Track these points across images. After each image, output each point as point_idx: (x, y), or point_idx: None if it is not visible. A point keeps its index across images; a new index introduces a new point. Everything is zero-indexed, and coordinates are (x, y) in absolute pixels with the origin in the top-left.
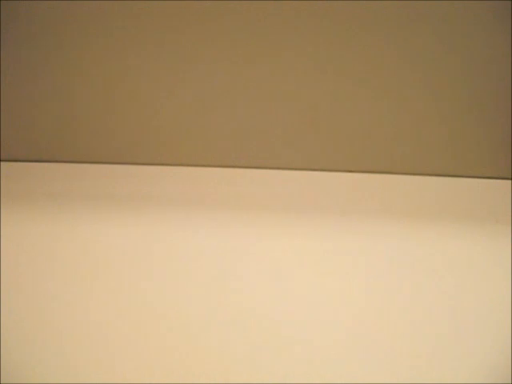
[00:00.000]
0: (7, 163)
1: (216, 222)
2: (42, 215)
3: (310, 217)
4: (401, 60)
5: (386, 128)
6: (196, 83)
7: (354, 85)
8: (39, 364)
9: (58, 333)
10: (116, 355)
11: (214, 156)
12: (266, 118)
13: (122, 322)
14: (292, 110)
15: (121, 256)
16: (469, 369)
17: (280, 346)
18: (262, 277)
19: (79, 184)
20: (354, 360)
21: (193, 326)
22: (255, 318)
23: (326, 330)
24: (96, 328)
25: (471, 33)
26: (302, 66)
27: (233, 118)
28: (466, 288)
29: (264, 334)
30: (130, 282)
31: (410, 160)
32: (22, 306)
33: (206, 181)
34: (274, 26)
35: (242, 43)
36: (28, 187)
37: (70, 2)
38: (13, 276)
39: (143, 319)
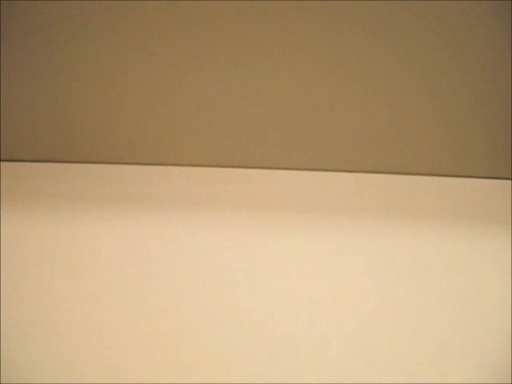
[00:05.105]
0: (7, 163)
1: (216, 222)
2: (42, 215)
3: (310, 217)
4: (401, 60)
5: (386, 128)
6: (196, 83)
7: (355, 85)
8: (39, 364)
9: (58, 333)
10: (116, 355)
11: (214, 156)
12: (266, 118)
13: (122, 321)
14: (292, 110)
15: (121, 256)
16: (469, 369)
17: (280, 346)
18: (262, 277)
19: (79, 184)
20: (355, 360)
21: (193, 326)
22: (255, 317)
23: (326, 330)
24: (96, 328)
25: (471, 33)
26: (302, 66)
27: (233, 117)
28: (465, 288)
29: (264, 333)
30: (130, 281)
31: (410, 160)
32: (22, 306)
33: (206, 181)
34: (275, 26)
35: (242, 43)
36: (28, 187)
37: (70, 2)
38: (13, 276)
39: (143, 319)
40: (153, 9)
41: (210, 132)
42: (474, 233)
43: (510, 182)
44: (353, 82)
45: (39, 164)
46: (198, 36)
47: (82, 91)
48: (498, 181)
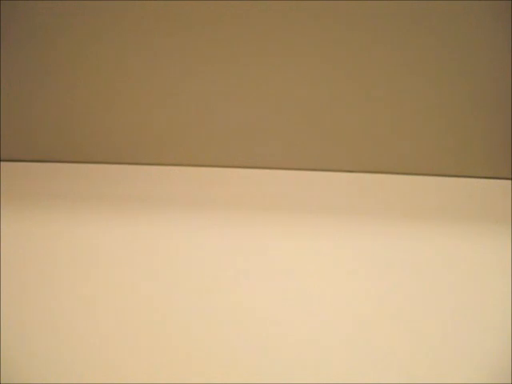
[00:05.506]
0: (7, 163)
1: (216, 221)
2: (42, 215)
3: (310, 217)
4: (401, 60)
5: (386, 128)
6: (196, 83)
7: (354, 85)
8: (39, 364)
9: (58, 333)
10: (116, 355)
11: (214, 156)
12: (266, 118)
13: (122, 322)
14: (292, 110)
15: (121, 256)
16: (469, 369)
17: (280, 346)
18: (262, 276)
19: (79, 184)
20: (354, 360)
21: (192, 326)
22: (255, 317)
23: (325, 330)
24: (96, 328)
25: (471, 33)
26: (302, 66)
27: (233, 118)
28: (465, 288)
29: (264, 333)
30: (130, 281)
31: (410, 160)
32: (23, 306)
33: (206, 181)
34: (274, 26)
35: (242, 43)
36: (28, 187)
37: (70, 2)
38: (13, 276)
39: (143, 319)
40: (153, 9)
41: (210, 132)
42: (474, 233)
43: (509, 181)
44: (353, 83)
45: (39, 164)
46: (198, 36)
47: (82, 91)
48: (498, 181)
